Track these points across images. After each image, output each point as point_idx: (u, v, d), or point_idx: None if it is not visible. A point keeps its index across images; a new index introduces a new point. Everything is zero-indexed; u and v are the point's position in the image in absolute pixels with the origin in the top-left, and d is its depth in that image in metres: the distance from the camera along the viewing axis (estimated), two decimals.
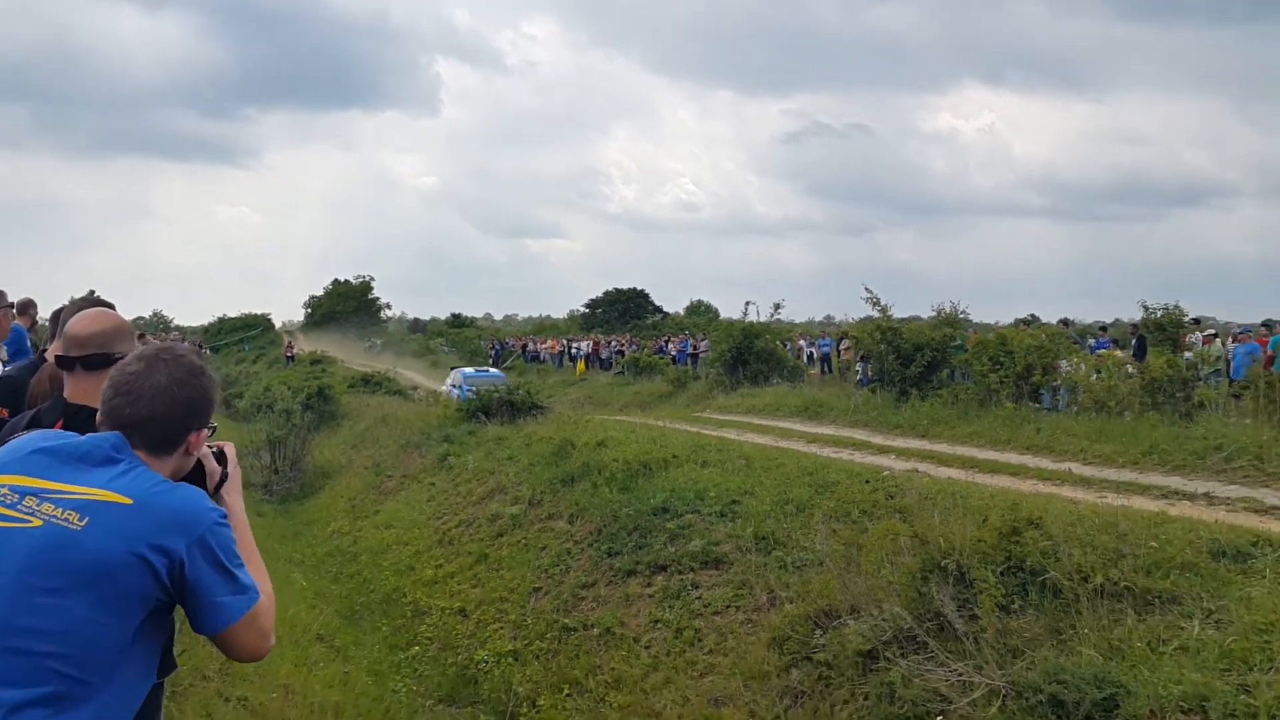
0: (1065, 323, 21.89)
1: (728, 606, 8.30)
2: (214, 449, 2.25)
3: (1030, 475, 10.48)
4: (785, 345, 27.68)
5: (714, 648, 7.90)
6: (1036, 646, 5.52)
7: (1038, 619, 5.82)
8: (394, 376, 33.96)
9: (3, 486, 1.94)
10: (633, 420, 19.24)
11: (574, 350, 41.90)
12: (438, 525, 13.95)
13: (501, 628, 10.07)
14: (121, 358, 2.19)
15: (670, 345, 36.23)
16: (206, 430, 2.15)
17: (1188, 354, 15.58)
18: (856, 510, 8.63)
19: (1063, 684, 4.89)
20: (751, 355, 24.18)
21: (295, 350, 48.25)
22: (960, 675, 5.49)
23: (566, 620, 9.44)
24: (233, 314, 74.33)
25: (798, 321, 43.23)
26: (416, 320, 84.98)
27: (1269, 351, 14.69)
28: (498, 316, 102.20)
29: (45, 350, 3.86)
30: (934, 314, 19.39)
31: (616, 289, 65.79)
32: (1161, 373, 13.19)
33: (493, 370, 27.34)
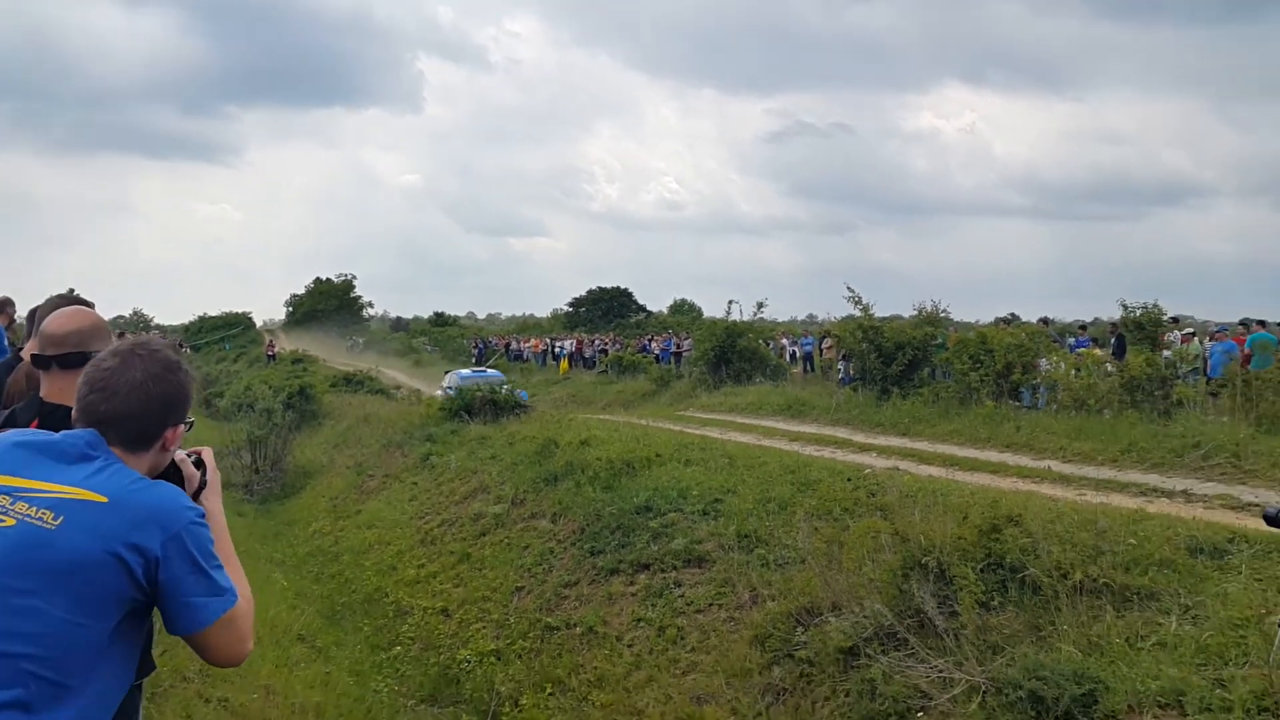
0: (1045, 321, 22.04)
1: (710, 604, 8.32)
2: (192, 455, 2.22)
3: (1010, 473, 10.54)
4: (768, 344, 27.72)
5: (696, 646, 7.92)
6: (1016, 643, 5.56)
7: (1017, 615, 5.86)
8: (376, 376, 33.81)
9: None
10: (616, 419, 19.23)
11: (557, 349, 41.84)
12: (420, 525, 13.91)
13: (484, 627, 10.05)
14: None
15: (653, 344, 36.22)
16: (183, 426, 2.13)
17: (1166, 353, 15.65)
18: (838, 508, 8.66)
19: (1042, 680, 4.93)
20: (734, 354, 24.23)
21: (276, 349, 47.96)
22: (941, 672, 5.53)
23: (549, 619, 9.43)
24: (213, 313, 73.84)
25: (780, 320, 43.33)
26: (399, 319, 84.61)
27: (1246, 350, 14.82)
28: (481, 315, 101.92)
29: (22, 349, 3.83)
30: (915, 313, 19.48)
31: (600, 288, 65.69)
32: (1140, 371, 13.29)
33: (490, 370, 27.18)
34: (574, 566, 10.17)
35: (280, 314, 79.77)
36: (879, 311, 18.90)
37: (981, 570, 6.08)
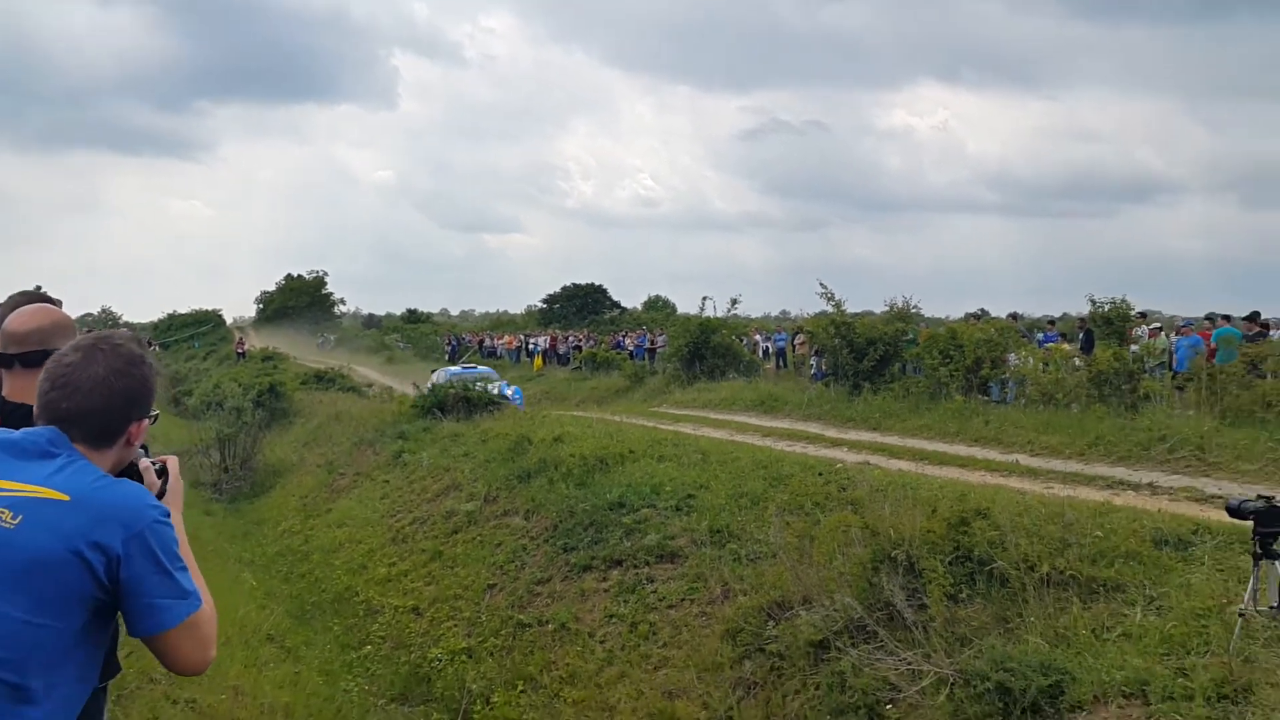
0: (1014, 316, 22.26)
1: (682, 600, 8.34)
2: (156, 463, 2.19)
3: (979, 466, 10.63)
4: (741, 340, 27.80)
5: (668, 641, 7.94)
6: (984, 635, 5.62)
7: (985, 608, 5.92)
8: (348, 373, 33.58)
9: None
10: (590, 415, 19.22)
11: (531, 346, 41.72)
12: (391, 523, 13.84)
13: (455, 625, 10.02)
14: None
15: (628, 340, 36.21)
16: (148, 420, 2.10)
17: (1133, 347, 15.88)
18: (810, 502, 8.70)
19: (1009, 671, 4.98)
20: (708, 350, 24.30)
21: (246, 346, 47.51)
22: (909, 664, 5.57)
23: (521, 616, 9.42)
24: (183, 310, 73.12)
25: (754, 316, 43.35)
26: (371, 316, 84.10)
27: (1211, 344, 15.02)
28: (454, 312, 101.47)
29: None
30: (887, 309, 19.60)
31: (574, 284, 65.54)
32: (1108, 365, 13.45)
33: (481, 368, 26.95)
34: (546, 563, 10.16)
35: (251, 311, 79.21)
36: (851, 308, 19.06)
37: (950, 563, 6.14)
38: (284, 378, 30.07)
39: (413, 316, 73.72)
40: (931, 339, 16.85)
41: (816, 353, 21.11)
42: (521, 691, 8.27)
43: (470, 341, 47.97)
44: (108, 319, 78.65)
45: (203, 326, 66.97)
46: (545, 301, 66.39)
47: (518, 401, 23.11)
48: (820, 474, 9.69)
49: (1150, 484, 9.16)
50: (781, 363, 28.06)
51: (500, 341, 45.65)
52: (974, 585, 6.09)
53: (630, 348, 34.22)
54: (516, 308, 77.47)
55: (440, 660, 9.38)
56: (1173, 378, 14.63)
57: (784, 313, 55.01)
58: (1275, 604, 4.56)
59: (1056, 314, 26.78)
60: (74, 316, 2.95)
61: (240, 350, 46.06)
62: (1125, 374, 13.43)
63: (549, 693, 8.11)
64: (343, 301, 77.59)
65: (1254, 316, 16.43)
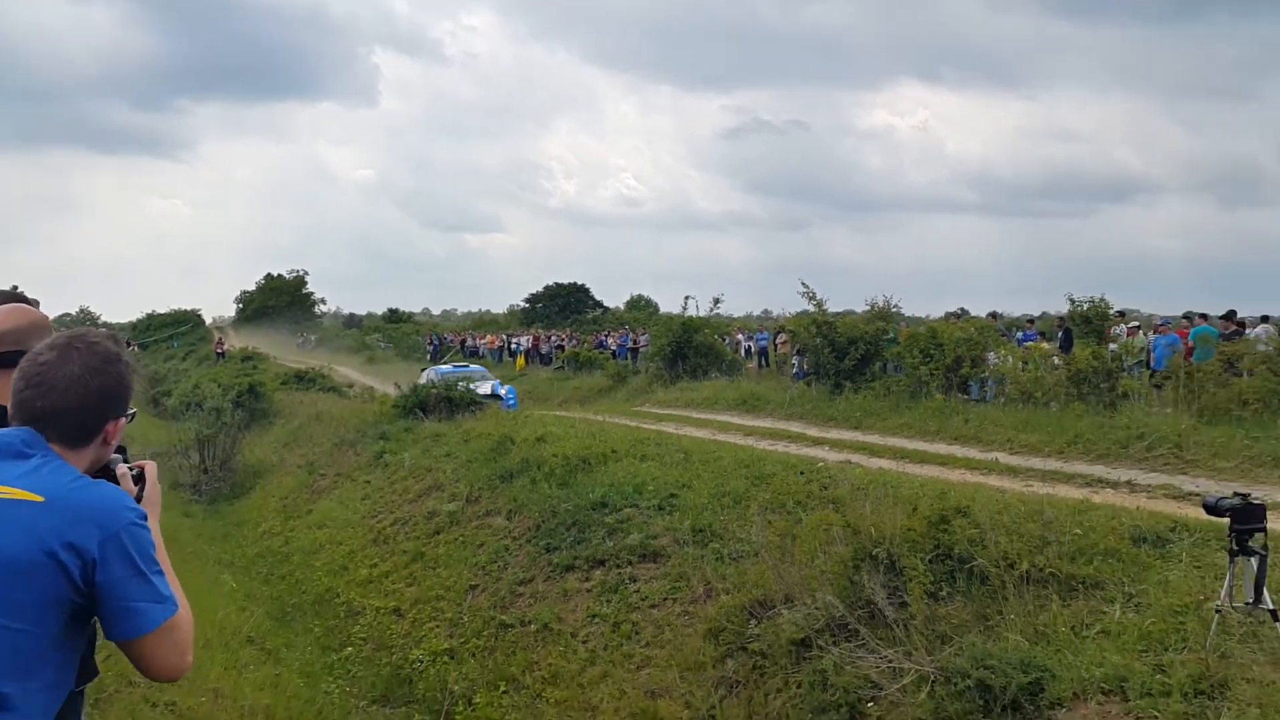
0: (994, 315, 22.38)
1: (665, 599, 8.34)
2: (134, 469, 2.17)
3: (959, 465, 10.68)
4: (724, 339, 27.86)
5: (651, 640, 7.94)
6: (964, 632, 5.64)
7: (965, 605, 5.95)
8: (328, 373, 33.41)
9: None
10: (572, 415, 19.20)
11: (513, 345, 41.66)
12: (372, 524, 13.78)
13: (437, 626, 9.99)
14: None
15: (610, 340, 36.21)
16: (125, 419, 2.08)
17: (1112, 346, 15.98)
18: (791, 501, 8.72)
19: (990, 669, 5.00)
20: (691, 349, 24.32)
21: (226, 346, 47.23)
22: (890, 662, 5.59)
23: (503, 617, 9.40)
24: (162, 310, 72.64)
25: (736, 316, 43.51)
26: (352, 315, 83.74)
27: (1189, 343, 15.15)
28: (436, 311, 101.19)
29: None
30: (868, 308, 19.68)
31: (557, 283, 65.46)
32: (1086, 364, 13.55)
33: (473, 366, 26.66)
34: (529, 564, 10.14)
35: (230, 311, 78.73)
36: (833, 307, 19.13)
37: (930, 561, 6.16)
38: (264, 378, 29.89)
39: (394, 316, 73.48)
40: (912, 338, 16.93)
41: (798, 352, 21.16)
42: (504, 692, 8.25)
43: (452, 341, 47.86)
44: (86, 319, 78.01)
45: (182, 326, 66.55)
46: (528, 301, 66.30)
47: (511, 400, 22.97)
48: (802, 473, 9.72)
49: (1129, 482, 9.24)
50: (764, 362, 28.13)
51: (483, 341, 45.57)
52: (954, 583, 6.12)
53: (613, 347, 34.23)
54: (499, 307, 77.43)
55: (422, 661, 9.35)
56: (1151, 376, 14.75)
57: (766, 312, 55.17)
58: (1251, 600, 4.60)
59: (1036, 313, 27.05)
60: (52, 317, 2.91)
61: (220, 350, 45.79)
62: (1104, 372, 13.54)
63: (531, 693, 8.10)
64: (323, 301, 77.27)
65: (1230, 315, 16.57)
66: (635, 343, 32.95)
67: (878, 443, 12.89)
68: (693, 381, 22.91)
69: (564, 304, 62.75)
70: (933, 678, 5.30)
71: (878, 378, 17.22)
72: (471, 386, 22.59)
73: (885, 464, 10.63)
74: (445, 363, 30.76)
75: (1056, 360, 15.05)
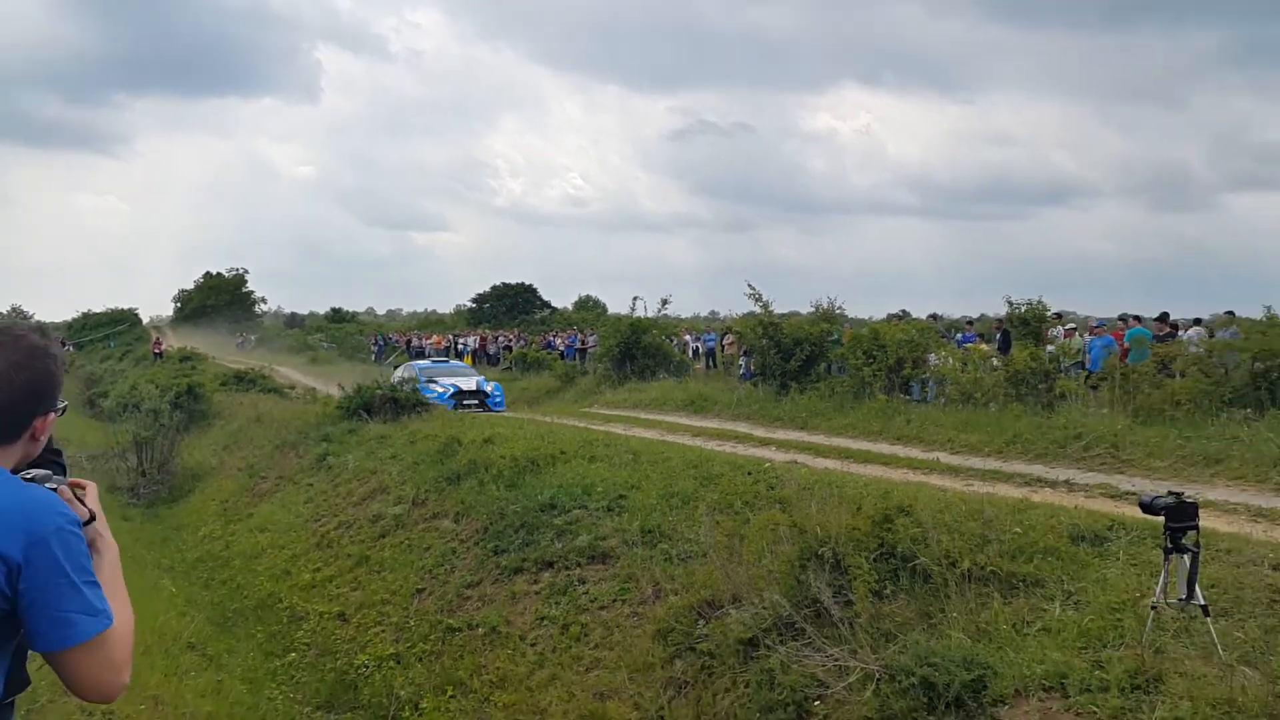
0: (934, 317, 22.77)
1: (614, 600, 8.34)
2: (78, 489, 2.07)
3: (901, 464, 10.84)
4: (671, 340, 27.97)
5: (600, 642, 7.93)
6: (908, 630, 5.71)
7: (909, 603, 6.03)
8: (269, 374, 32.84)
9: None
10: (520, 416, 19.11)
11: (460, 345, 41.39)
12: (316, 528, 13.59)
13: (383, 631, 9.88)
14: None
15: (558, 340, 36.13)
16: (54, 414, 2.01)
17: (1050, 347, 16.33)
18: (739, 501, 8.76)
19: (933, 666, 5.08)
20: (639, 350, 24.39)
21: (164, 347, 46.24)
22: (836, 660, 5.65)
23: (451, 621, 9.32)
24: (98, 309, 71.02)
25: (684, 317, 43.58)
26: (294, 315, 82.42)
27: (1124, 345, 15.53)
28: (380, 311, 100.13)
29: None
30: (813, 310, 19.91)
31: (504, 283, 65.19)
32: (1024, 365, 13.82)
33: (455, 362, 25.95)
34: (477, 566, 10.07)
35: (168, 310, 77.21)
36: (778, 308, 19.36)
37: (874, 560, 6.24)
38: (203, 379, 29.31)
39: (337, 316, 72.54)
40: (855, 339, 17.14)
41: (745, 353, 21.33)
42: (451, 697, 8.19)
43: (398, 341, 47.34)
44: (18, 318, 75.79)
45: (118, 326, 65.15)
46: (474, 301, 65.93)
47: (499, 400, 22.65)
48: (749, 473, 9.78)
49: (1067, 481, 9.43)
50: (711, 363, 28.30)
51: (429, 341, 45.13)
52: (898, 581, 6.20)
53: (561, 348, 34.16)
54: (445, 307, 76.91)
55: (367, 667, 9.24)
56: (1087, 377, 15.08)
57: (713, 313, 55.59)
58: (1184, 596, 4.73)
59: (975, 315, 27.45)
60: None
61: (157, 350, 44.84)
62: (1041, 373, 13.82)
63: (479, 697, 8.05)
64: (264, 300, 76.01)
65: (1164, 317, 17.04)
66: (583, 343, 32.92)
67: (823, 443, 13.02)
68: (641, 382, 22.95)
69: (511, 304, 62.50)
70: (878, 676, 5.37)
71: (822, 378, 17.42)
72: (456, 383, 22.30)
73: (830, 464, 10.74)
74: (391, 364, 30.36)
75: (995, 362, 15.33)
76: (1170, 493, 4.91)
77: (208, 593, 12.61)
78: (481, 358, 37.98)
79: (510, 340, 39.93)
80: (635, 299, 25.68)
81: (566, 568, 9.11)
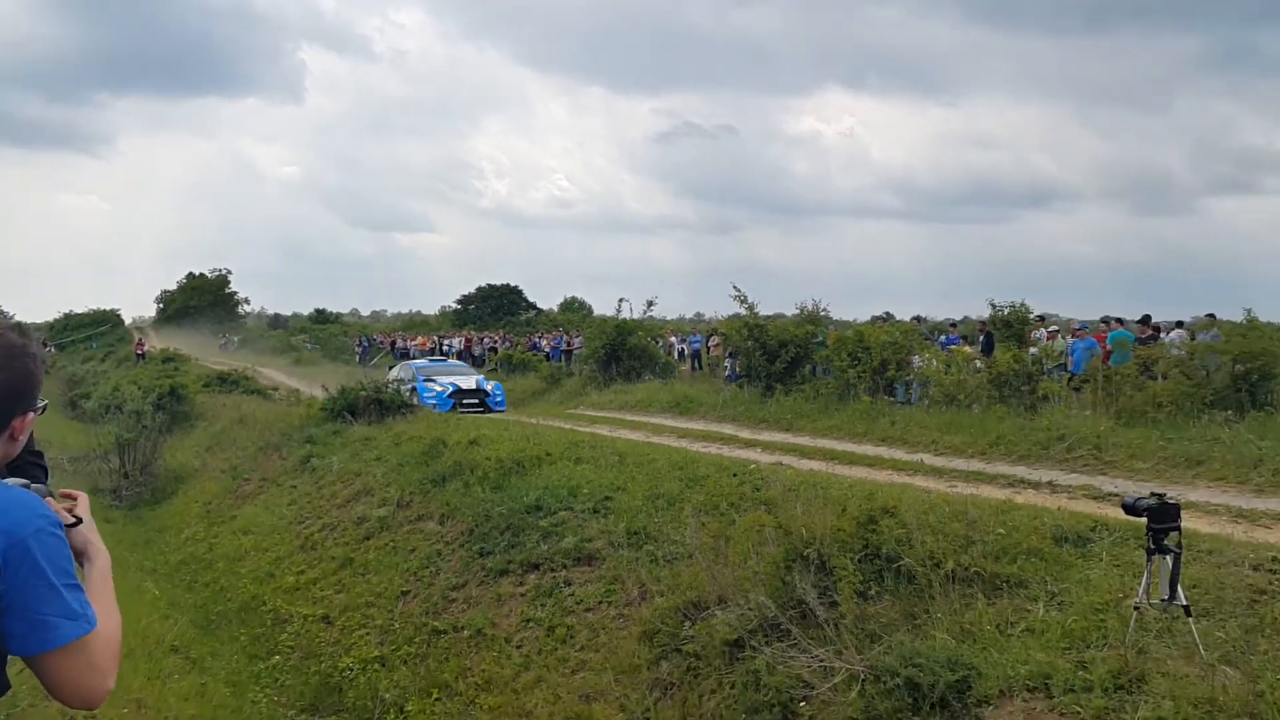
0: (918, 319, 22.87)
1: (600, 602, 8.34)
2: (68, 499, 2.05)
3: (886, 466, 10.89)
4: (657, 342, 28.00)
5: (585, 644, 7.93)
6: (893, 631, 5.74)
7: (894, 604, 6.05)
8: (253, 375, 32.68)
9: None
10: (506, 418, 19.08)
11: (445, 347, 41.25)
12: (300, 530, 13.53)
13: (368, 633, 9.84)
14: None
15: (544, 342, 36.11)
16: (34, 413, 1.99)
17: (1032, 350, 16.42)
18: (725, 503, 8.78)
19: (918, 667, 5.10)
20: (624, 352, 24.40)
21: (146, 348, 45.93)
22: (821, 661, 5.67)
23: (436, 623, 9.30)
24: (80, 310, 70.47)
25: (669, 318, 43.70)
26: (278, 316, 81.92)
27: (1107, 347, 15.64)
28: (365, 312, 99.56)
29: None
30: (798, 312, 19.97)
31: (489, 285, 65.08)
32: (1008, 367, 13.90)
33: (453, 361, 25.71)
34: (462, 568, 10.05)
35: (151, 311, 76.64)
36: (763, 310, 19.39)
37: (859, 561, 6.26)
38: (185, 380, 29.11)
39: (321, 317, 72.20)
40: (840, 341, 17.21)
41: (730, 355, 21.37)
42: (436, 699, 8.17)
43: (382, 342, 47.20)
44: None
45: (100, 327, 64.70)
46: (460, 302, 65.81)
47: (499, 399, 22.49)
48: (735, 475, 9.79)
49: (1050, 482, 9.49)
50: (697, 365, 28.35)
51: (413, 343, 44.96)
52: (883, 582, 6.23)
53: (546, 349, 34.15)
54: (430, 308, 76.62)
55: (352, 669, 9.20)
56: (1069, 379, 15.18)
57: (699, 315, 55.67)
58: (1166, 597, 4.77)
59: (958, 317, 27.57)
60: None
61: (140, 351, 44.52)
62: (1024, 376, 13.91)
63: (464, 700, 8.03)
64: (247, 301, 75.54)
65: (1146, 320, 17.16)
66: (569, 345, 32.92)
67: (808, 444, 13.06)
68: (627, 384, 22.97)
69: (496, 305, 62.42)
70: (863, 676, 5.39)
71: (807, 380, 17.47)
72: (455, 382, 22.11)
73: (815, 465, 10.77)
74: (375, 365, 30.23)
75: (978, 364, 15.41)
76: (1152, 494, 4.95)
77: (191, 595, 12.54)
78: (467, 359, 37.88)
79: (495, 342, 39.89)
80: (621, 300, 25.73)
81: (552, 569, 9.10)
